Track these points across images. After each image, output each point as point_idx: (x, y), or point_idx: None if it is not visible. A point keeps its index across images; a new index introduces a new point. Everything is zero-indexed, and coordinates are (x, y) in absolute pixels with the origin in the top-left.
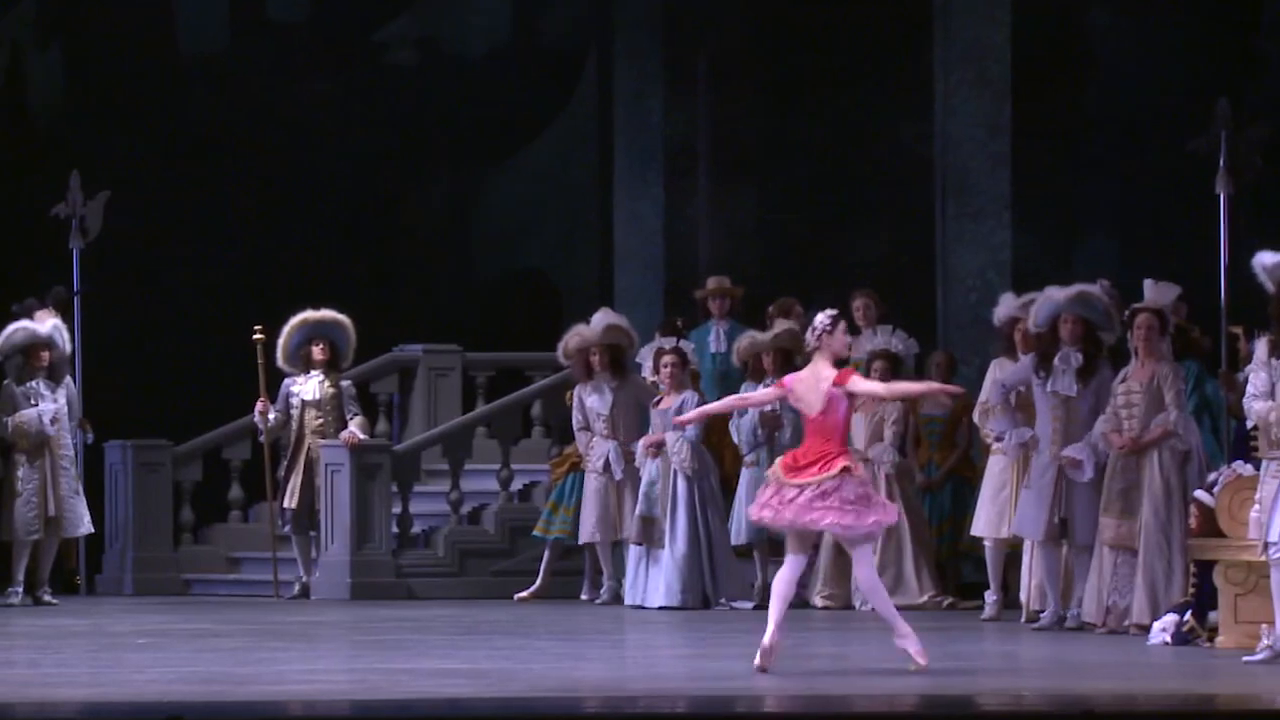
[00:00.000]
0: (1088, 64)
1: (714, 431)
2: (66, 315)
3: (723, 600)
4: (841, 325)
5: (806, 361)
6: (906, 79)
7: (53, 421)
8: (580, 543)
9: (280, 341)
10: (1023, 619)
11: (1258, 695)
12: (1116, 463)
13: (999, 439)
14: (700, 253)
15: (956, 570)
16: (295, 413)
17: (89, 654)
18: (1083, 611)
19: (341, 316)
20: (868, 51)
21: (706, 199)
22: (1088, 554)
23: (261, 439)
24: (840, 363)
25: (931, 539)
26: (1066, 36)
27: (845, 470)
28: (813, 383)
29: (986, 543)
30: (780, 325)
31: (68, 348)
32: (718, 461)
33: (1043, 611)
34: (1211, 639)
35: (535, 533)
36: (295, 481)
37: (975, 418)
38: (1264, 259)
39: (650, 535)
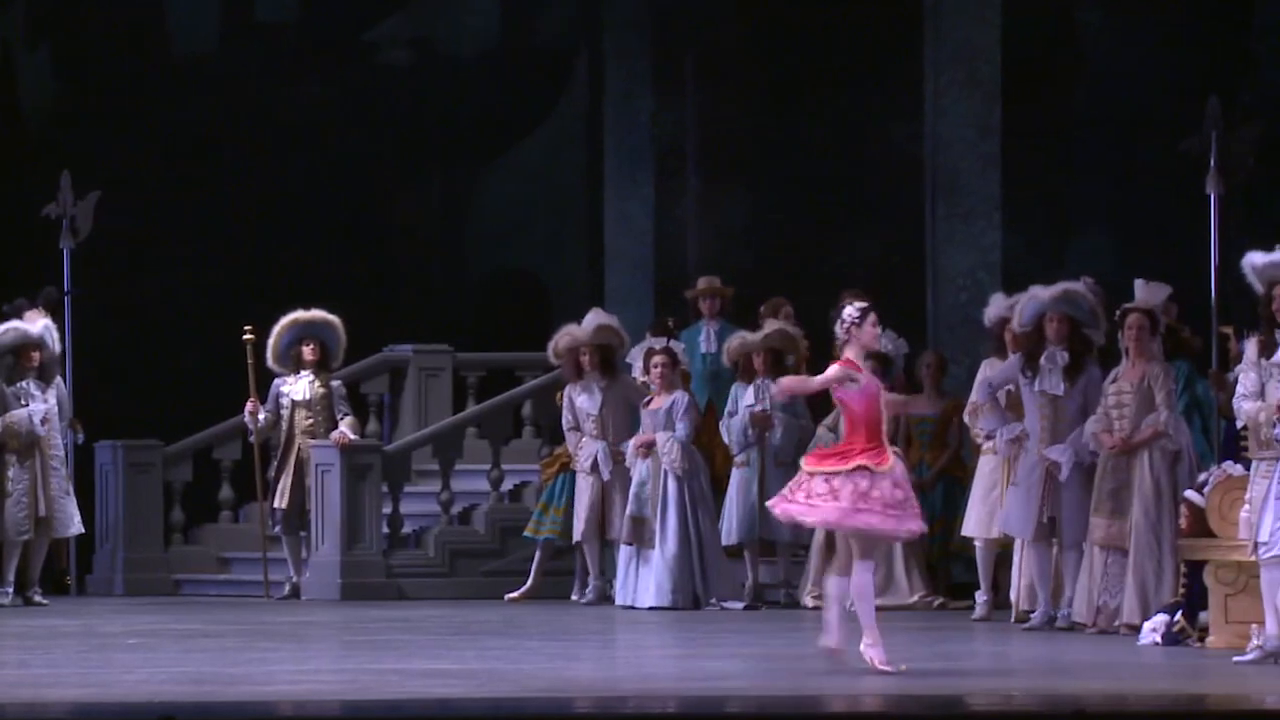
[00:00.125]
0: (1078, 65)
1: (704, 431)
2: (57, 315)
3: (713, 600)
4: (871, 317)
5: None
6: (897, 80)
7: (43, 422)
8: (575, 541)
9: (270, 342)
10: (1013, 619)
11: (1248, 695)
12: (1107, 463)
13: (989, 438)
14: (690, 253)
15: (947, 570)
16: (285, 413)
17: (79, 654)
18: (1073, 611)
19: (332, 317)
20: (858, 52)
21: (696, 199)
22: (1077, 553)
23: (252, 439)
24: (871, 356)
25: (922, 539)
26: (1057, 37)
27: (861, 468)
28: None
29: (977, 543)
30: (771, 325)
31: (58, 348)
32: (708, 461)
33: (1033, 611)
34: (1202, 639)
35: (526, 533)
36: (285, 482)
37: (965, 418)
38: (1254, 259)
39: (641, 535)
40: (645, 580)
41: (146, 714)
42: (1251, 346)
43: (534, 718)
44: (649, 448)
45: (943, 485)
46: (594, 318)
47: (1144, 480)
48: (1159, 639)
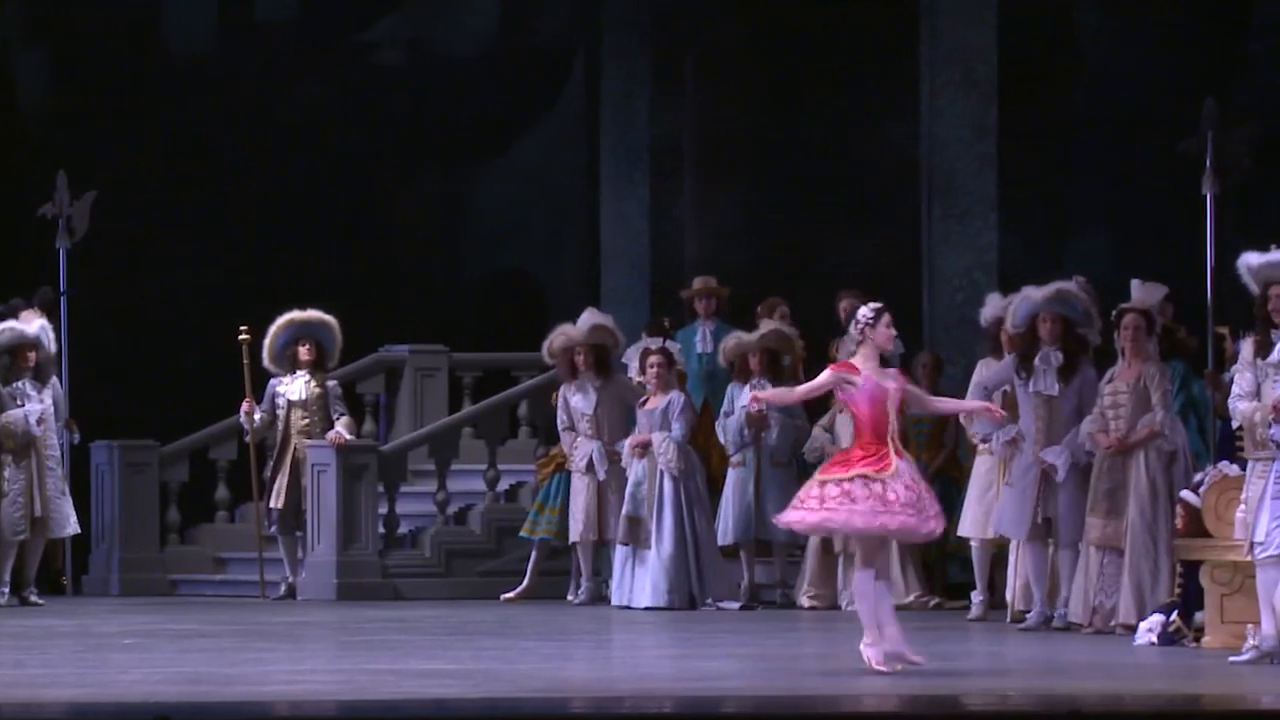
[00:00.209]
0: (1075, 65)
1: (700, 432)
2: (53, 315)
3: (709, 600)
4: (885, 318)
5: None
6: (893, 80)
7: (39, 422)
8: (571, 541)
9: (266, 342)
10: (1009, 619)
11: (1243, 695)
12: (1103, 463)
13: (984, 440)
14: (686, 253)
15: (943, 570)
16: (281, 413)
17: (75, 654)
18: (1069, 611)
19: (328, 317)
20: (854, 52)
21: (693, 199)
22: (1073, 553)
23: (247, 439)
24: (888, 357)
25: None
26: (1054, 37)
27: (861, 478)
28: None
29: (973, 543)
30: (767, 325)
31: (54, 348)
32: (704, 462)
33: (1029, 611)
34: (1197, 639)
35: (521, 533)
36: (281, 482)
37: (961, 418)
38: (1249, 259)
39: (636, 535)
40: (641, 580)
41: (142, 714)
42: (1247, 346)
43: (530, 718)
44: (645, 448)
45: (939, 485)
46: (589, 317)
47: (1140, 480)
48: (1155, 639)
